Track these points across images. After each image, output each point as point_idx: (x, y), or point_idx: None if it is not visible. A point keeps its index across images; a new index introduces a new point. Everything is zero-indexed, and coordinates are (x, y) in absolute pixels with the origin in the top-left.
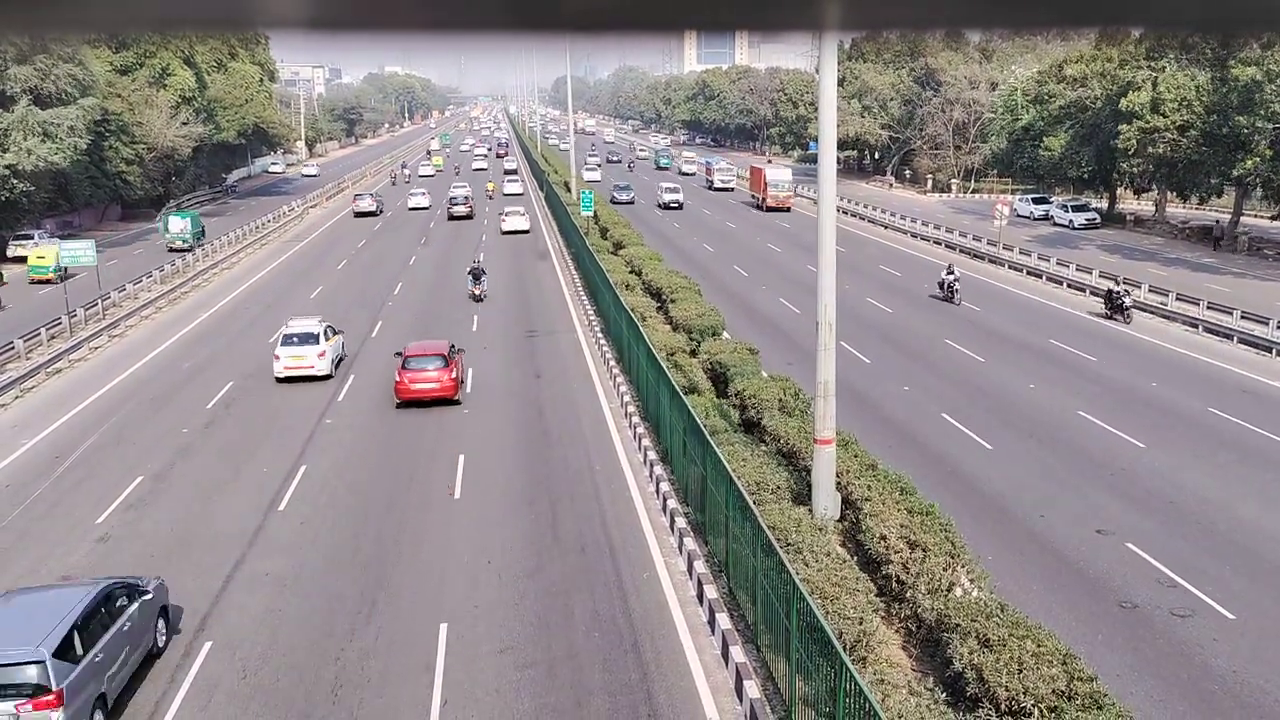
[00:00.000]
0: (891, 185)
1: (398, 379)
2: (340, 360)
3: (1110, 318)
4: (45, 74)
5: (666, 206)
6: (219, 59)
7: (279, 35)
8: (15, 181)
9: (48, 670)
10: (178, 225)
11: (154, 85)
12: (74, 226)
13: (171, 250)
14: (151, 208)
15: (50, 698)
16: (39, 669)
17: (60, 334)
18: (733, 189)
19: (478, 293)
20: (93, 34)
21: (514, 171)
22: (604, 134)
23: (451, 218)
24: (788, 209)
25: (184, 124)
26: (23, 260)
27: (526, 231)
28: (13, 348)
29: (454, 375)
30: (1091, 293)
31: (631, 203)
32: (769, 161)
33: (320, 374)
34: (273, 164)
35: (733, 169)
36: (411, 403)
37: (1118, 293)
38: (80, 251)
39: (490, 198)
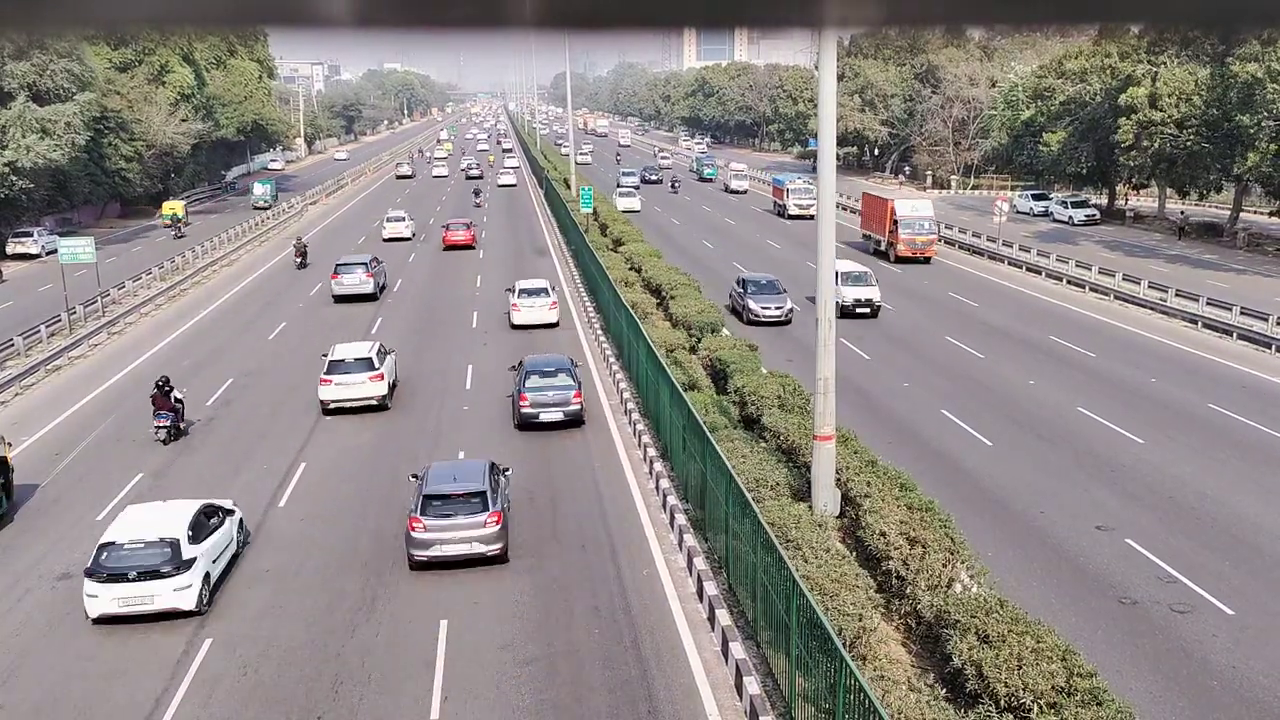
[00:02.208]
0: (901, 184)
1: (443, 236)
2: (414, 234)
3: None
4: (43, 70)
5: (850, 312)
6: (218, 56)
7: (278, 32)
8: (14, 179)
9: (488, 496)
10: (259, 189)
11: (153, 82)
12: (73, 224)
13: (255, 209)
14: (151, 204)
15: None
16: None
17: (60, 331)
18: (812, 217)
19: (479, 202)
20: (92, 32)
21: (510, 150)
22: (619, 136)
23: (468, 178)
24: (928, 259)
25: (183, 121)
26: (22, 257)
27: (514, 185)
28: (12, 345)
29: (473, 235)
30: (1091, 289)
31: (787, 320)
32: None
33: (407, 237)
34: (272, 161)
35: (813, 189)
36: (452, 248)
37: None
38: (79, 249)
39: (490, 166)
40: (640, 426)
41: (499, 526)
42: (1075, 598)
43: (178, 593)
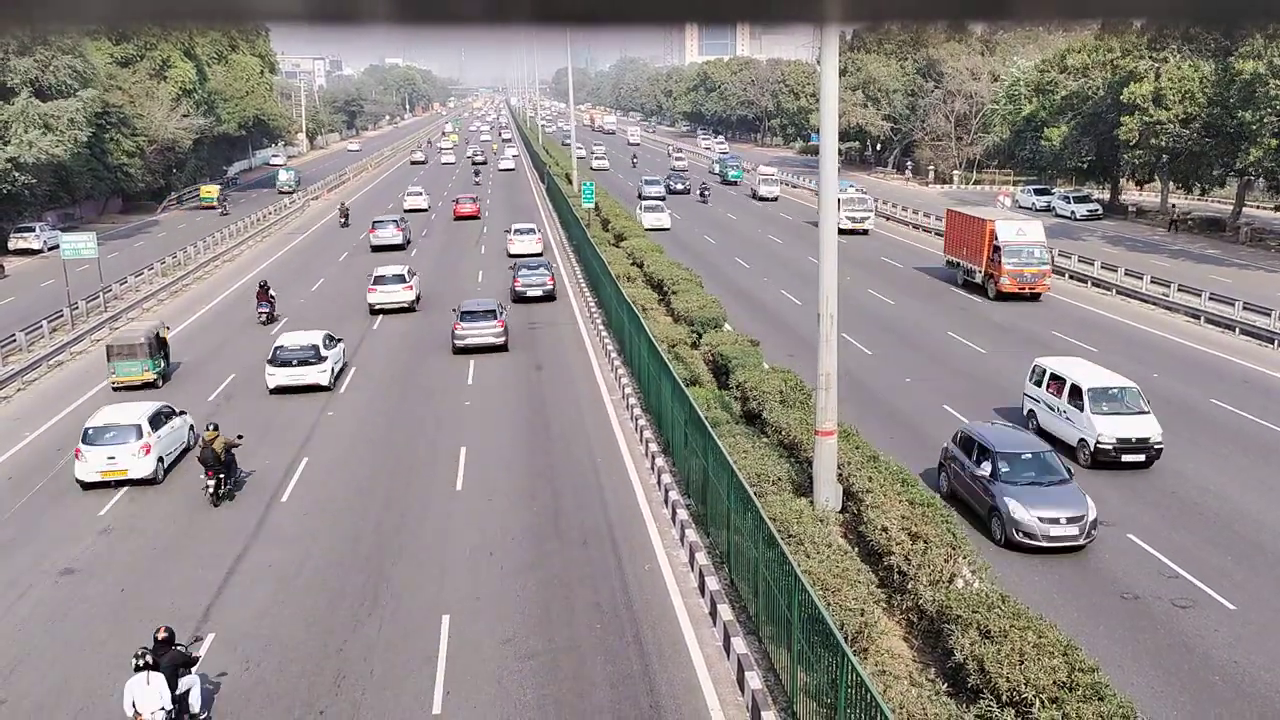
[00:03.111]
0: (909, 179)
1: (454, 208)
2: (430, 206)
3: None
4: (45, 66)
5: (1109, 459)
6: (219, 51)
7: (279, 27)
8: (17, 174)
9: (496, 312)
10: (284, 176)
11: (155, 77)
12: (75, 219)
13: (281, 193)
14: (152, 200)
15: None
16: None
17: (62, 326)
18: (866, 231)
19: (478, 181)
20: (93, 28)
21: (509, 140)
22: (628, 134)
23: (473, 164)
24: (1037, 295)
25: (185, 116)
26: (24, 253)
27: (513, 169)
28: (14, 340)
29: (478, 207)
30: (1094, 284)
31: (1085, 542)
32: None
33: (424, 208)
34: (274, 156)
35: (866, 199)
36: (461, 218)
37: None
38: (81, 244)
39: (494, 153)
40: (642, 421)
41: (502, 328)
42: (1077, 593)
43: (320, 374)
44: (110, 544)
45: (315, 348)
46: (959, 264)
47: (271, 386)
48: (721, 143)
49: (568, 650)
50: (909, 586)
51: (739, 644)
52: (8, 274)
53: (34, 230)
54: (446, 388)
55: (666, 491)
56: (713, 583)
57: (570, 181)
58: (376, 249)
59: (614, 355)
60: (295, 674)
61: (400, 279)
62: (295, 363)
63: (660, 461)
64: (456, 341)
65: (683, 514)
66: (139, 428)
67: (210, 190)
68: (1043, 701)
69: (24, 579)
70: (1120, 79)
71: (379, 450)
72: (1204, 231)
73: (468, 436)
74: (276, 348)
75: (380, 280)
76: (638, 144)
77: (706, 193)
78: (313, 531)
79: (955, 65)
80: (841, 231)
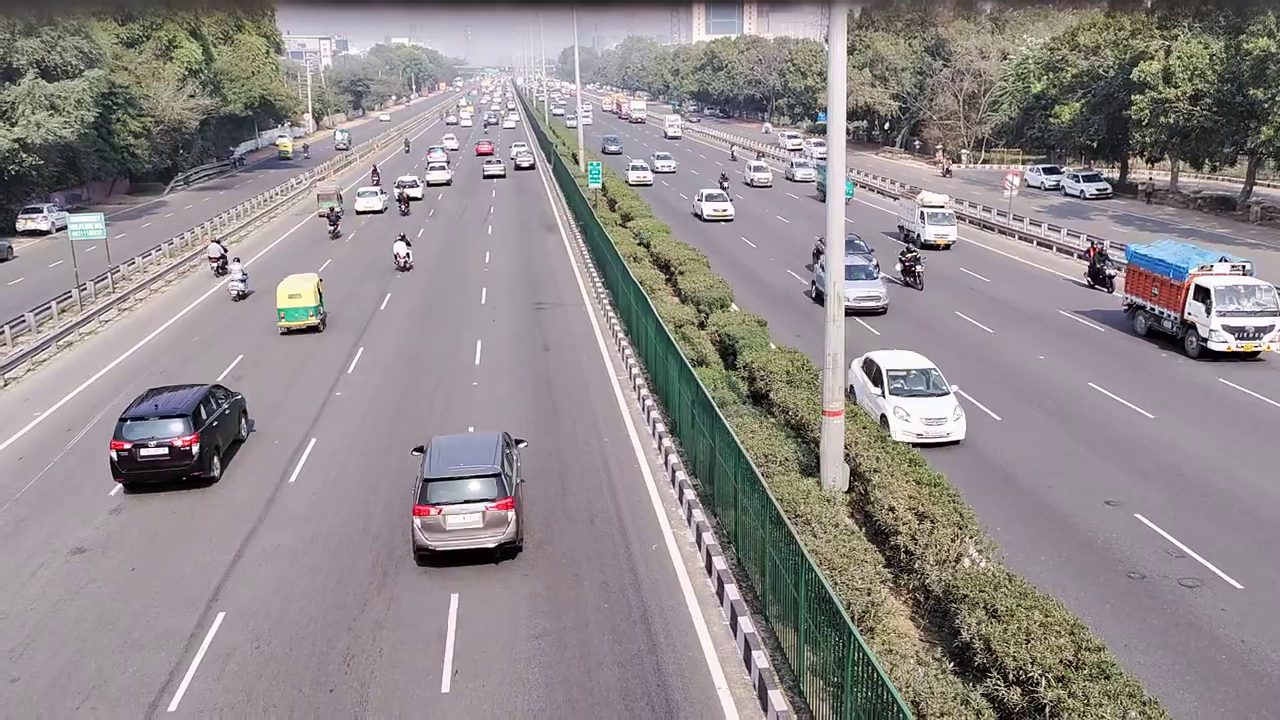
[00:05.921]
0: (948, 170)
1: (476, 148)
2: (459, 147)
3: None
4: (52, 46)
5: None
6: (225, 31)
7: (288, 9)
8: (24, 155)
9: (503, 483)
10: (340, 136)
11: (161, 58)
12: (82, 200)
13: (338, 150)
14: (159, 180)
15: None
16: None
17: (70, 307)
18: (1259, 353)
19: (487, 132)
20: (100, 9)
21: (513, 109)
22: (666, 124)
23: (486, 124)
24: None
25: (191, 96)
26: (32, 234)
27: (514, 128)
28: (24, 321)
29: (493, 148)
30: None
31: None
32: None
33: (456, 148)
34: (280, 137)
35: (1270, 290)
36: (480, 155)
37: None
38: (89, 225)
39: (502, 116)
40: (649, 402)
41: (504, 168)
42: (1084, 572)
43: (447, 175)
44: (121, 523)
45: (415, 181)
46: None
47: (430, 180)
48: (819, 144)
49: (575, 629)
50: (916, 566)
51: (746, 623)
52: (16, 255)
53: (41, 211)
54: (454, 369)
55: (674, 471)
56: (720, 562)
57: (577, 162)
58: (431, 167)
59: (621, 336)
60: (305, 652)
61: (443, 167)
62: (408, 186)
63: (667, 442)
64: (483, 172)
65: (690, 494)
66: (378, 194)
67: (286, 144)
68: (1049, 680)
69: (35, 558)
70: (1131, 57)
71: (386, 431)
72: (1214, 210)
73: (475, 417)
74: (399, 181)
75: (432, 168)
76: (677, 137)
77: (918, 268)
78: (321, 511)
79: (964, 44)
80: (1212, 351)
